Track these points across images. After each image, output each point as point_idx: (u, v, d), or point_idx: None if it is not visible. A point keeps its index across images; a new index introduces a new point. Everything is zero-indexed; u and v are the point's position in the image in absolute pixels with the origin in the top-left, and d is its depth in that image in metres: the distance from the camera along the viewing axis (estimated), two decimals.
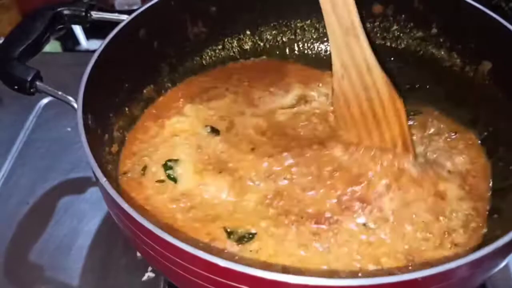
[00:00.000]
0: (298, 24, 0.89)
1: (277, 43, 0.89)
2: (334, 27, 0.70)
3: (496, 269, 0.56)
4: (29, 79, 0.64)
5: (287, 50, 0.90)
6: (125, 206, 0.51)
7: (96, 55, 0.67)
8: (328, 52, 0.85)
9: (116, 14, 0.74)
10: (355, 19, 0.69)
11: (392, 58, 0.84)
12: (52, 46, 1.21)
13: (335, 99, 0.74)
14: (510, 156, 0.69)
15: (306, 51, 0.90)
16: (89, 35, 1.21)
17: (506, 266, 0.71)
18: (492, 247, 0.49)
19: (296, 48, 0.90)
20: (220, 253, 0.62)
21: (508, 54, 0.69)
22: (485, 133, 0.73)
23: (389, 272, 0.60)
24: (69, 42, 1.22)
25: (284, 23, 0.89)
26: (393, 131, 0.70)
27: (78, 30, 1.20)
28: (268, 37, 0.89)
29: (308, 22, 0.88)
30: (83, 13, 0.73)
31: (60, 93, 0.64)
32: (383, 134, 0.70)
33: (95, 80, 0.65)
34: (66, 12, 0.72)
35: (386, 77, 0.70)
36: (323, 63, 0.83)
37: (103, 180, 0.54)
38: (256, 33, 0.88)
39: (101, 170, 0.55)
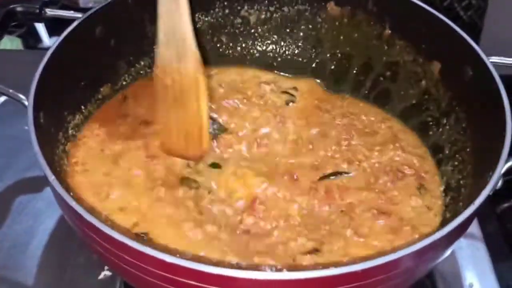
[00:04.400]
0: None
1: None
2: None
3: (442, 258, 0.57)
4: None
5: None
6: (73, 204, 0.52)
7: (49, 53, 0.66)
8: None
9: (72, 12, 0.74)
10: None
11: None
12: (14, 44, 1.18)
13: (156, 73, 0.69)
14: None
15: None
16: (51, 32, 1.19)
17: (452, 253, 0.73)
18: (437, 235, 0.50)
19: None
20: None
21: (456, 54, 0.71)
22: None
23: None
24: (31, 39, 1.20)
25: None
26: (192, 116, 0.68)
27: (40, 27, 1.18)
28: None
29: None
30: (37, 10, 0.72)
31: (11, 91, 0.64)
32: (183, 118, 0.68)
33: (48, 78, 0.64)
34: (19, 9, 0.72)
35: (198, 53, 0.67)
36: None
37: (51, 178, 0.54)
38: (215, 34, 0.88)
39: (51, 168, 0.55)
